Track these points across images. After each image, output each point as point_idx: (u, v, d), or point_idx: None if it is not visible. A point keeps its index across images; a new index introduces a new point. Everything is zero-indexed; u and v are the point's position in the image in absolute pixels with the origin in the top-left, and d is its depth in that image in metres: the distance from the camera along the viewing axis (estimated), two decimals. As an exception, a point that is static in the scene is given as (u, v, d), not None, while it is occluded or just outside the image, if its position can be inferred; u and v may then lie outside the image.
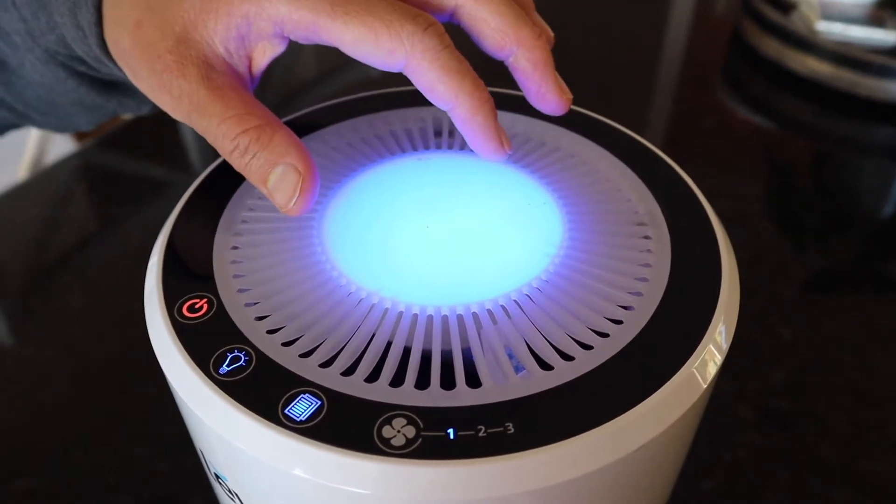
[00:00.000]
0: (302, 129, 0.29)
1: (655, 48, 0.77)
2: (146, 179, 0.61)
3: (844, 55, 0.64)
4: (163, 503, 0.37)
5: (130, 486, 0.38)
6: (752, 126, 0.67)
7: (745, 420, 0.41)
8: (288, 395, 0.19)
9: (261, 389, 0.19)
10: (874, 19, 0.67)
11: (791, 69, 0.67)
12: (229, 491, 0.22)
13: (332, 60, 0.77)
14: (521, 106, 0.30)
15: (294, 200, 0.22)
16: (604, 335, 0.21)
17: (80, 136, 1.44)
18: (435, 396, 0.19)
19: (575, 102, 0.31)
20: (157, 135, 0.65)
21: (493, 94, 0.30)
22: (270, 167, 0.22)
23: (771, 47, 0.69)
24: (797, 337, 0.46)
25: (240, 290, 0.22)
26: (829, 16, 0.66)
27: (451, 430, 0.18)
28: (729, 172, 0.60)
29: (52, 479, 0.38)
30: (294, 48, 0.80)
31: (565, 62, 0.84)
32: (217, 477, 0.22)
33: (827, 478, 0.38)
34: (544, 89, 0.24)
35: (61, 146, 1.28)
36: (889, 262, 0.53)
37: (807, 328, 0.46)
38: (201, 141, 0.65)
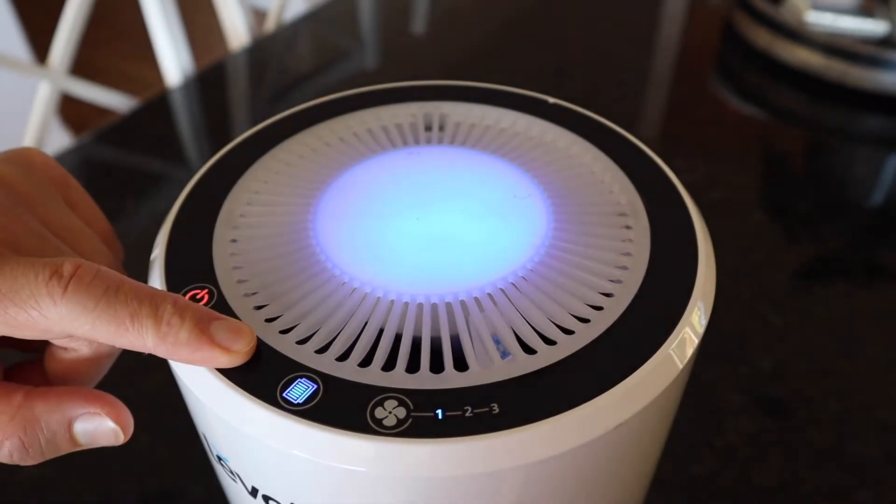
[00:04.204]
0: (296, 124, 0.30)
1: (649, 39, 0.78)
2: (143, 173, 0.62)
3: (834, 46, 0.65)
4: (165, 491, 0.38)
5: (134, 475, 0.39)
6: (744, 116, 0.68)
7: (736, 406, 0.42)
8: (286, 379, 0.20)
9: (260, 374, 0.21)
10: (863, 10, 0.68)
11: (782, 60, 0.68)
12: (231, 472, 0.23)
13: (326, 55, 0.78)
14: (508, 101, 0.31)
15: (121, 432, 0.21)
16: (585, 321, 0.22)
17: (76, 130, 1.45)
18: (424, 379, 0.20)
19: (567, 96, 0.32)
20: (154, 129, 0.66)
21: (479, 88, 0.32)
22: (66, 430, 0.21)
23: (762, 38, 0.70)
24: (787, 324, 0.47)
25: (239, 281, 0.23)
26: (818, 6, 0.67)
27: (439, 411, 0.19)
28: (721, 162, 0.61)
29: (57, 468, 0.39)
30: (287, 44, 0.80)
31: (561, 54, 0.84)
32: (219, 459, 0.23)
33: (815, 461, 0.39)
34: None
35: (58, 141, 1.29)
36: (878, 250, 0.54)
37: (797, 315, 0.47)
38: (198, 135, 0.66)
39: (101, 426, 0.21)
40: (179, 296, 0.21)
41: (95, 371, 0.23)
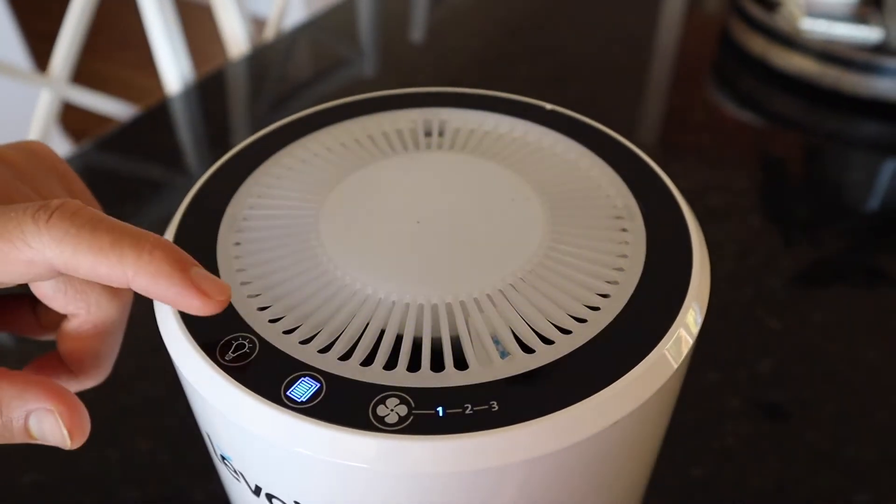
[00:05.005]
0: (298, 130, 0.30)
1: (647, 46, 0.78)
2: (144, 180, 0.62)
3: (829, 52, 0.65)
4: (166, 494, 0.39)
5: (134, 480, 0.39)
6: (740, 122, 0.69)
7: (734, 409, 0.42)
8: (289, 378, 0.21)
9: (264, 373, 0.21)
10: (858, 16, 0.68)
11: (777, 66, 0.69)
12: (234, 471, 0.23)
13: (326, 63, 0.78)
14: (506, 107, 0.31)
15: (68, 438, 0.21)
16: (582, 321, 0.22)
17: (77, 137, 1.46)
18: (425, 378, 0.21)
19: (565, 101, 0.32)
20: (154, 137, 0.66)
21: (477, 95, 0.32)
22: (22, 420, 0.20)
23: (758, 45, 0.70)
24: (785, 328, 0.47)
25: (242, 283, 0.24)
26: (813, 13, 0.68)
27: (440, 409, 0.20)
28: (718, 167, 0.61)
29: (59, 473, 0.39)
30: (286, 52, 0.80)
31: (559, 61, 0.84)
32: (223, 458, 0.24)
33: (813, 464, 0.40)
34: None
35: (59, 148, 1.30)
36: (874, 254, 0.54)
37: (795, 319, 0.48)
38: (198, 142, 0.67)
39: (50, 426, 0.21)
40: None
41: (102, 345, 0.24)
